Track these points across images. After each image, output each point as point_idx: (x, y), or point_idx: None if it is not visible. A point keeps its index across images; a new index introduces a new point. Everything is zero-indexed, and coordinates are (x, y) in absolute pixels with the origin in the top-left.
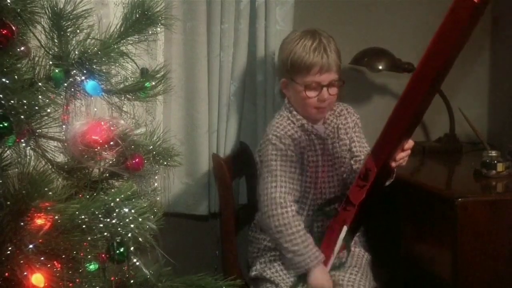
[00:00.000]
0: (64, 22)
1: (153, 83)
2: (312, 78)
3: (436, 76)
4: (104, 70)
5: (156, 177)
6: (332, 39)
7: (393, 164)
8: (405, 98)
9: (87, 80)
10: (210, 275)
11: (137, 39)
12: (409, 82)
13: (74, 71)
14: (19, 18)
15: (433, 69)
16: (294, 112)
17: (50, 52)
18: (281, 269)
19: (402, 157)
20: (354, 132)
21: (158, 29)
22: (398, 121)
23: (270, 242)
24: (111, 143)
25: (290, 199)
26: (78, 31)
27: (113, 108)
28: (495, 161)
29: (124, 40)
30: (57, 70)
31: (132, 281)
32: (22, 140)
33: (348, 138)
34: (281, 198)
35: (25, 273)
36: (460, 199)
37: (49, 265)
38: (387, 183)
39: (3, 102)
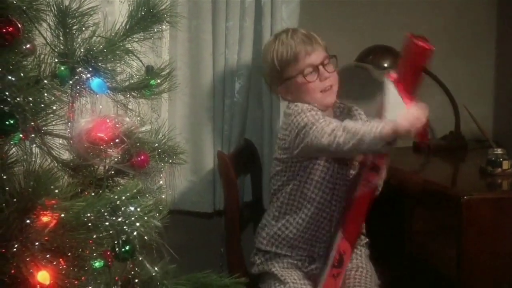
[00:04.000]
0: (70, 20)
1: (158, 81)
2: (303, 62)
3: None
4: (109, 68)
5: (161, 174)
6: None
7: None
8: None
9: (93, 77)
10: (215, 273)
11: (142, 37)
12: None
13: (80, 68)
14: (24, 15)
15: None
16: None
17: (56, 50)
18: (289, 266)
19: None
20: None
21: (164, 26)
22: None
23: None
24: (117, 140)
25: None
26: (83, 28)
27: (118, 106)
28: (501, 159)
29: (130, 38)
30: (62, 68)
31: (137, 279)
32: (28, 138)
33: None
34: (328, 127)
35: (31, 271)
36: (465, 197)
37: (54, 263)
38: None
39: (9, 99)
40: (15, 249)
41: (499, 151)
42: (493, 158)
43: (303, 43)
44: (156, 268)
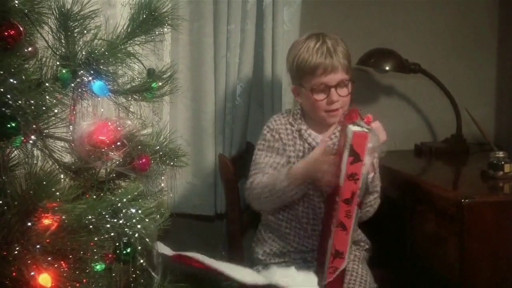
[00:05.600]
0: (71, 23)
1: (160, 84)
2: (318, 79)
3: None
4: (111, 71)
5: (162, 177)
6: (340, 40)
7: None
8: None
9: (94, 80)
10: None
11: (144, 40)
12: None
13: (81, 71)
14: (26, 18)
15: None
16: (297, 116)
17: (57, 53)
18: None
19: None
20: None
21: (165, 29)
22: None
23: (277, 246)
24: (118, 143)
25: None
26: (85, 31)
27: (120, 109)
28: (502, 162)
29: (131, 41)
30: (64, 71)
31: (138, 282)
32: (29, 140)
33: None
34: (254, 178)
35: (32, 273)
36: (467, 200)
37: (56, 265)
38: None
39: (10, 102)
40: (16, 252)
41: (500, 154)
42: (494, 161)
43: (324, 60)
44: (157, 271)
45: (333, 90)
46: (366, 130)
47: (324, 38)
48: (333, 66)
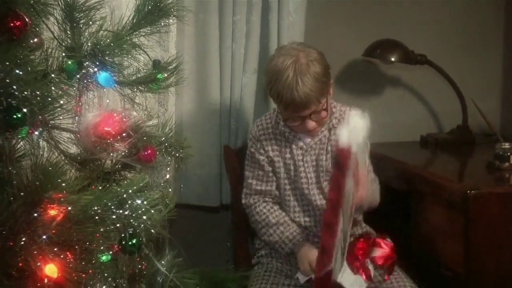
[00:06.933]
0: (77, 14)
1: (165, 75)
2: (290, 113)
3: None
4: (116, 62)
5: (168, 168)
6: (314, 63)
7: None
8: None
9: (100, 71)
10: (221, 266)
11: (149, 31)
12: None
13: (87, 62)
14: (32, 9)
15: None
16: (282, 122)
17: (63, 44)
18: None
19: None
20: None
21: (171, 21)
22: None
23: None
24: (124, 134)
25: (254, 199)
26: (90, 22)
27: (125, 100)
28: (508, 153)
29: (137, 32)
30: (70, 62)
31: (144, 272)
32: (35, 131)
33: None
34: (245, 199)
35: (39, 264)
36: (472, 191)
37: (62, 256)
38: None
39: (16, 93)
40: (22, 243)
41: (506, 145)
42: (500, 153)
43: (297, 98)
44: (162, 262)
45: (307, 120)
46: None
47: (299, 67)
48: (305, 103)
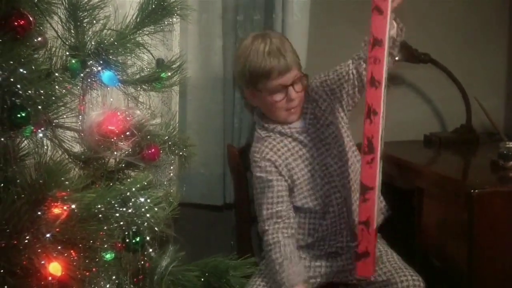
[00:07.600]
0: (81, 13)
1: (169, 74)
2: (274, 82)
3: None
4: (120, 61)
5: (171, 167)
6: (285, 39)
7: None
8: None
9: (104, 70)
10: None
11: (153, 30)
12: None
13: (91, 61)
14: (36, 8)
15: None
16: (267, 124)
17: (67, 43)
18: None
19: None
20: (323, 86)
21: (174, 19)
22: None
23: None
24: (127, 133)
25: (269, 223)
26: (94, 21)
27: (129, 99)
28: None
29: (140, 31)
30: (73, 61)
31: (147, 270)
32: (39, 130)
33: (331, 109)
34: (262, 225)
35: (43, 262)
36: (476, 190)
37: (66, 254)
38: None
39: (20, 92)
40: (26, 241)
41: (510, 144)
42: (504, 152)
43: (278, 63)
44: (165, 259)
45: (290, 88)
46: None
47: (270, 38)
48: (287, 66)
